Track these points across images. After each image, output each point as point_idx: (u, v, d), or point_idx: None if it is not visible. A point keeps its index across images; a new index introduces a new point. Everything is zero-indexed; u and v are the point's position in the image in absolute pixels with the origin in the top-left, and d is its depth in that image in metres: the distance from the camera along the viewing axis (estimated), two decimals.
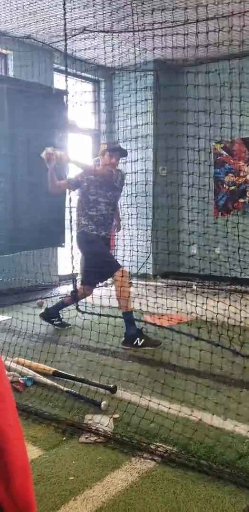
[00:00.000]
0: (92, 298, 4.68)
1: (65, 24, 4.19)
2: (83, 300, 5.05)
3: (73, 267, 4.53)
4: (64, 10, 4.14)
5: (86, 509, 2.27)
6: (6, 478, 0.92)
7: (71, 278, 4.82)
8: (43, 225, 5.72)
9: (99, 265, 4.68)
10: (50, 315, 5.22)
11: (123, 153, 4.82)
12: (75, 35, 4.79)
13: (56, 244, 5.51)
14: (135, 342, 4.51)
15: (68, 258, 4.53)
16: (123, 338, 4.59)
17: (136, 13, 3.66)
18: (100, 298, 4.21)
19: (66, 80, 4.43)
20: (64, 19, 4.17)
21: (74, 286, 5.05)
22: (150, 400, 3.13)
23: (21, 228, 6.27)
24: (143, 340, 4.52)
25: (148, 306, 3.96)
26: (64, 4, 4.16)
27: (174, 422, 2.92)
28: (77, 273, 4.86)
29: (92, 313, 4.69)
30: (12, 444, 0.92)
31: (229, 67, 2.74)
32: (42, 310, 5.28)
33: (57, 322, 5.23)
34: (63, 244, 5.59)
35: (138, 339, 4.54)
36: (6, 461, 0.91)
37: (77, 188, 4.95)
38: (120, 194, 4.96)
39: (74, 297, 5.04)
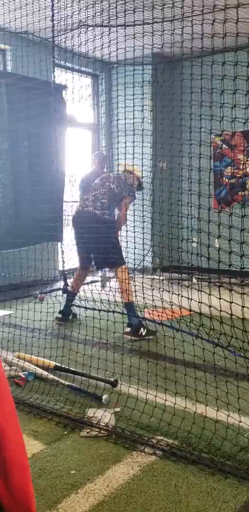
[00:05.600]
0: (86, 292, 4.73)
1: (53, 16, 4.24)
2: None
3: (64, 262, 4.61)
4: (52, 1, 4.22)
5: (88, 502, 2.28)
6: (5, 473, 0.92)
7: (62, 274, 4.96)
8: (43, 220, 5.73)
9: (108, 251, 4.74)
10: (66, 315, 5.39)
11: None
12: (73, 30, 4.77)
13: (55, 238, 5.56)
14: (140, 332, 4.66)
15: (66, 252, 4.63)
16: (127, 329, 4.63)
17: (133, 9, 3.64)
18: (99, 293, 4.22)
19: (53, 71, 4.56)
20: (52, 10, 4.21)
21: (65, 282, 5.20)
22: (153, 395, 3.14)
23: (21, 224, 6.27)
24: (146, 330, 4.68)
25: (150, 300, 3.96)
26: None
27: (174, 416, 2.92)
28: (65, 269, 4.98)
29: (80, 306, 4.74)
30: (10, 439, 0.93)
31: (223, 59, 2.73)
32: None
33: (71, 318, 5.45)
34: (62, 238, 5.63)
35: (142, 329, 4.68)
36: (4, 457, 0.91)
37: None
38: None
39: (66, 289, 5.25)
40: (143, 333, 4.67)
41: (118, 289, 4.78)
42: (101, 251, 4.79)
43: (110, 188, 5.05)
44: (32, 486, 0.99)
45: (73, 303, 5.24)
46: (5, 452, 0.92)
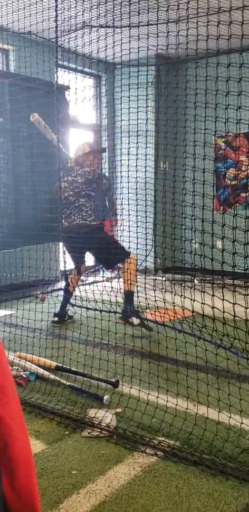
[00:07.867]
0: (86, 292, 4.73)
1: (56, 16, 4.24)
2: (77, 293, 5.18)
3: (65, 262, 4.64)
4: (56, 2, 4.21)
5: (89, 502, 2.28)
6: (10, 472, 0.92)
7: (64, 274, 4.99)
8: (44, 220, 5.73)
9: (111, 250, 4.83)
10: (62, 317, 5.37)
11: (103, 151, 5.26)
12: (76, 30, 4.78)
13: (56, 239, 5.58)
14: (130, 319, 4.67)
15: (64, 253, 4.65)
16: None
17: (137, 10, 3.64)
18: (101, 294, 4.22)
19: (56, 72, 4.54)
20: (56, 10, 4.21)
21: (67, 281, 5.23)
22: (155, 396, 3.14)
23: (23, 223, 6.28)
24: (139, 321, 4.68)
25: (152, 301, 3.97)
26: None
27: (176, 417, 2.92)
28: (66, 270, 5.01)
29: (82, 307, 4.74)
30: (16, 438, 0.92)
31: (228, 61, 2.73)
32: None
33: (67, 319, 5.42)
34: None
35: (134, 318, 4.69)
36: (10, 455, 0.91)
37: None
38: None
39: (67, 290, 5.26)
40: (134, 323, 4.66)
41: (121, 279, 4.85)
42: (105, 254, 4.85)
43: (88, 194, 5.14)
44: (37, 485, 0.99)
45: (68, 304, 5.25)
46: (11, 450, 0.92)
